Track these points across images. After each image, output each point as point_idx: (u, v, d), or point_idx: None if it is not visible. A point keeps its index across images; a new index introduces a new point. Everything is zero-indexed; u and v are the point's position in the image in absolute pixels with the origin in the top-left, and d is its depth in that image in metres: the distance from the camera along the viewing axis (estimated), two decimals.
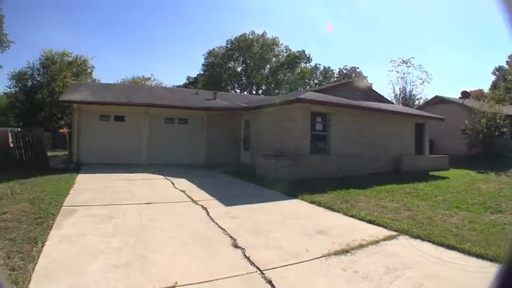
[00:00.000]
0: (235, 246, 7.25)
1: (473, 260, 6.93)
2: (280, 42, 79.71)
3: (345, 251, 7.12)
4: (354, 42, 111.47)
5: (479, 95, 63.83)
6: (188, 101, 27.92)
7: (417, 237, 8.32)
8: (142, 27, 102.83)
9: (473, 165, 27.34)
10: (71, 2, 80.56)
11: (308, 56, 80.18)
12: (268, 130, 22.42)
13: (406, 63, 57.97)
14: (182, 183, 15.85)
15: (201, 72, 79.59)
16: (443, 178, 20.89)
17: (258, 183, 16.41)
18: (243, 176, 18.65)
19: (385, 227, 9.17)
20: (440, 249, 7.60)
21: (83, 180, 15.92)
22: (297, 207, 11.79)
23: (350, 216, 10.43)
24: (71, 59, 58.56)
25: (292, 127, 19.78)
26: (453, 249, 7.50)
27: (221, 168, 21.89)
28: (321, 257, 6.79)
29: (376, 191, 14.88)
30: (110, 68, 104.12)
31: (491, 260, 6.87)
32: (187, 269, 5.99)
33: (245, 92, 72.22)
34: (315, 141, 20.41)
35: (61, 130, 46.91)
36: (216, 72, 75.81)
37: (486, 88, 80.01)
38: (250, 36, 77.59)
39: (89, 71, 62.69)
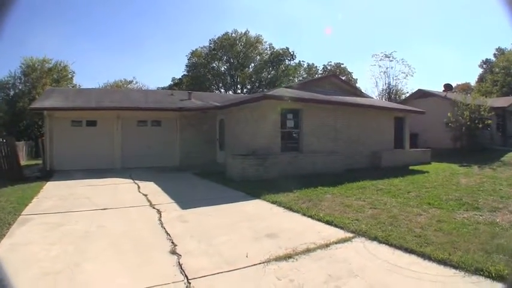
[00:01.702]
0: (173, 252, 6.84)
1: (433, 267, 6.17)
2: (264, 40, 79.19)
3: (287, 257, 6.59)
4: (339, 38, 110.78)
5: (466, 88, 63.57)
6: (162, 102, 27.21)
7: (374, 239, 7.68)
8: (125, 29, 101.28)
9: (457, 159, 26.69)
10: (51, 6, 78.67)
11: (292, 53, 78.80)
12: (240, 129, 21.86)
13: (389, 57, 57.71)
14: (148, 186, 15.52)
15: (185, 73, 78.62)
16: (423, 172, 20.28)
17: (226, 184, 15.94)
18: (213, 177, 18.11)
19: (342, 228, 8.59)
20: (398, 253, 6.91)
21: (49, 188, 15.56)
22: (256, 208, 11.32)
23: (308, 216, 9.90)
24: (51, 65, 57.66)
25: (262, 125, 19.29)
26: (412, 253, 6.80)
27: (194, 170, 21.38)
28: (260, 263, 6.29)
29: (346, 189, 14.32)
30: (94, 73, 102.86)
31: (455, 267, 6.06)
32: (114, 277, 5.78)
33: (230, 92, 71.29)
34: (287, 138, 19.90)
35: (42, 138, 46.11)
36: (200, 72, 75.73)
37: (473, 81, 79.69)
38: (233, 35, 76.78)
39: (70, 76, 61.80)
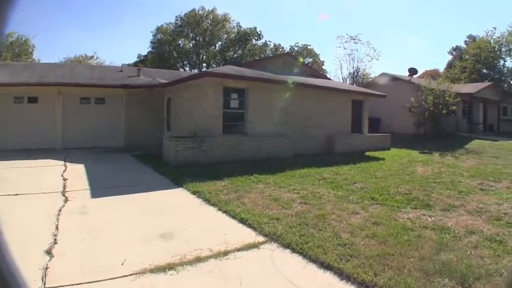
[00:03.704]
0: (48, 252, 5.79)
1: None
2: (232, 19, 77.04)
3: (169, 267, 5.35)
4: (309, 20, 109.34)
5: (434, 74, 62.94)
6: (106, 79, 25.09)
7: (288, 246, 6.28)
8: (91, 3, 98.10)
9: (418, 145, 25.45)
10: None
11: (259, 33, 77.62)
12: (184, 108, 20.58)
13: (354, 39, 55.70)
14: (75, 170, 14.42)
15: (151, 50, 76.22)
16: (378, 159, 18.92)
17: (158, 169, 14.54)
18: (150, 160, 16.75)
19: (255, 229, 7.20)
20: (310, 268, 5.55)
21: None
22: (171, 199, 10.23)
23: (224, 212, 8.55)
24: (13, 39, 55.27)
25: (204, 105, 17.81)
26: (328, 270, 5.41)
27: (136, 152, 20.07)
28: (132, 274, 5.14)
29: (285, 177, 12.95)
30: (58, 48, 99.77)
31: None
32: None
33: (195, 70, 69.09)
34: (230, 120, 18.22)
35: None
36: (165, 49, 73.94)
37: (442, 68, 79.20)
38: (200, 12, 73.69)
39: (30, 50, 59.58)
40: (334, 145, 21.71)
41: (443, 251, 6.05)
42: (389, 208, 8.87)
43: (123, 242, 6.51)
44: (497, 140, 28.69)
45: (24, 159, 16.80)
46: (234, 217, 8.01)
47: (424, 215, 8.31)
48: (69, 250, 5.97)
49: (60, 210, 8.34)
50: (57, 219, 7.61)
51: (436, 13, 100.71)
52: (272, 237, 6.67)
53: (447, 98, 29.67)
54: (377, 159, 19.17)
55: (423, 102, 29.41)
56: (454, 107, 30.12)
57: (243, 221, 7.67)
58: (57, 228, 7.02)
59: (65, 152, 19.60)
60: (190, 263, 5.50)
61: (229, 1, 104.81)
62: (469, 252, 6.01)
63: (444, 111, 29.36)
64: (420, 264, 5.41)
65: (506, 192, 10.94)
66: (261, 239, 6.68)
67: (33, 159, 17.03)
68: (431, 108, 28.99)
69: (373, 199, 9.81)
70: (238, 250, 6.08)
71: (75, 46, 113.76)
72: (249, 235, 6.88)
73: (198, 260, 5.62)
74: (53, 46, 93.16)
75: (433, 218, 8.03)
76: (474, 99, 37.02)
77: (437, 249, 6.09)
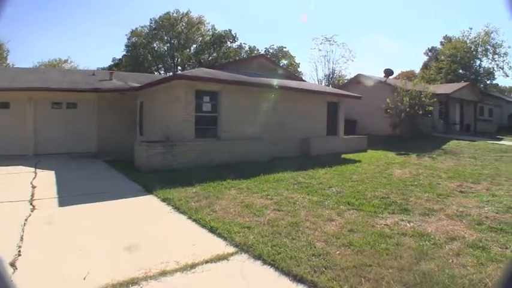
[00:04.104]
0: (12, 264, 5.52)
1: None
2: (207, 22, 77.56)
3: (132, 282, 5.02)
4: (284, 22, 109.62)
5: (410, 75, 63.26)
6: (78, 83, 24.62)
7: (259, 257, 5.91)
8: (66, 7, 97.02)
9: (395, 146, 25.37)
10: None
11: (234, 35, 77.63)
12: (156, 112, 20.11)
13: (329, 40, 56.05)
14: (45, 177, 13.90)
15: (125, 54, 75.68)
16: (355, 162, 18.59)
17: (129, 175, 14.11)
18: (121, 166, 16.35)
19: (225, 239, 6.81)
20: (283, 281, 5.21)
21: None
22: (141, 206, 9.87)
23: (194, 220, 8.12)
24: None
25: (176, 108, 17.33)
26: (301, 283, 5.07)
27: (109, 157, 19.64)
28: None
29: (259, 182, 12.60)
30: (33, 52, 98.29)
31: None
32: None
33: (170, 73, 68.51)
34: (202, 123, 17.76)
35: None
36: (140, 53, 73.41)
37: (418, 69, 79.71)
38: (175, 14, 74.14)
39: (4, 55, 59.04)
40: (310, 148, 21.43)
41: (424, 260, 5.68)
42: (366, 214, 8.50)
43: (88, 253, 6.15)
44: (474, 140, 28.71)
45: None
46: (203, 226, 7.61)
47: (403, 220, 7.95)
48: (33, 262, 5.67)
49: (26, 219, 8.03)
50: (23, 230, 7.30)
51: (412, 14, 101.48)
52: (243, 247, 6.30)
53: (423, 99, 29.63)
54: (353, 161, 18.88)
55: (399, 103, 29.35)
56: (431, 108, 30.11)
57: (213, 230, 7.29)
58: (22, 239, 6.74)
59: (37, 159, 19.23)
60: (155, 277, 5.17)
61: (204, 4, 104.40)
62: (450, 261, 5.65)
63: (420, 112, 29.37)
64: (399, 276, 5.04)
65: (486, 195, 10.66)
66: (231, 249, 6.32)
67: (3, 165, 16.57)
68: (408, 109, 28.92)
69: (349, 204, 9.44)
70: (207, 262, 5.72)
71: (50, 51, 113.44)
72: (219, 245, 6.52)
73: (164, 273, 5.28)
74: (27, 51, 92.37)
75: (412, 224, 7.67)
76: (451, 99, 37.11)
77: (417, 258, 5.72)
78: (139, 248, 6.40)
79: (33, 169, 15.76)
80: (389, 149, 24.58)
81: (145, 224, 8.08)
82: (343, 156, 21.17)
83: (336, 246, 6.28)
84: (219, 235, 6.99)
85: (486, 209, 8.98)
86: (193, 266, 5.55)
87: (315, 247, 6.21)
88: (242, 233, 6.99)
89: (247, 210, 8.80)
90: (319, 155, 20.55)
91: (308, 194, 10.68)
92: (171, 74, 65.08)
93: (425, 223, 7.74)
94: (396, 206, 9.27)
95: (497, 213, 8.56)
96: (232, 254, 6.08)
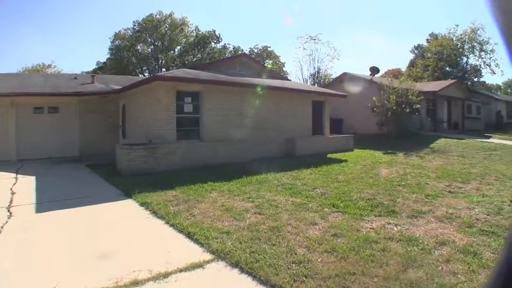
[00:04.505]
0: None
1: None
2: (190, 23, 76.91)
3: None
4: (267, 21, 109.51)
5: (396, 73, 63.07)
6: (59, 87, 24.47)
7: (236, 265, 5.58)
8: (47, 11, 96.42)
9: (382, 145, 25.02)
10: None
11: (218, 36, 77.68)
12: (138, 115, 19.87)
13: (314, 39, 55.24)
14: (25, 182, 13.76)
15: (110, 57, 75.52)
16: (341, 161, 18.20)
17: (110, 179, 13.83)
18: (103, 170, 15.97)
19: (202, 246, 6.48)
20: None
21: None
22: (118, 211, 9.60)
23: (171, 225, 7.81)
24: None
25: (157, 110, 17.02)
26: None
27: (92, 161, 19.40)
28: None
29: (241, 184, 12.31)
30: (17, 57, 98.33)
31: None
32: None
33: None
34: (184, 125, 17.50)
35: None
36: (124, 55, 73.08)
37: (404, 67, 79.68)
38: (158, 16, 75.16)
39: None
40: (295, 148, 21.08)
41: (412, 267, 5.30)
42: (351, 216, 8.10)
43: (60, 262, 5.91)
44: (463, 139, 28.42)
45: None
46: (181, 231, 7.30)
47: (389, 223, 7.56)
48: (4, 272, 5.52)
49: (2, 227, 7.87)
50: None
51: (398, 11, 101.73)
52: (220, 254, 5.96)
53: (410, 97, 29.27)
54: (339, 161, 18.53)
55: (386, 102, 28.98)
56: (418, 106, 29.79)
57: (190, 235, 6.97)
58: None
59: (20, 164, 19.06)
60: (126, 286, 4.96)
61: (187, 4, 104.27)
62: (440, 268, 5.27)
63: (408, 110, 28.97)
64: (385, 286, 4.69)
65: (476, 195, 10.28)
66: (207, 256, 5.98)
67: None
68: (394, 108, 28.53)
69: (334, 206, 9.04)
70: (181, 271, 5.41)
71: (33, 56, 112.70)
72: (195, 252, 6.19)
73: (135, 283, 5.04)
74: (10, 56, 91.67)
75: (399, 228, 7.27)
76: (438, 97, 36.90)
77: (405, 266, 5.34)
78: (112, 256, 6.14)
79: (14, 175, 15.57)
80: (376, 148, 24.27)
81: (121, 231, 7.80)
82: (329, 156, 20.85)
83: (318, 253, 5.90)
84: (196, 241, 6.69)
85: (476, 210, 8.61)
86: (166, 275, 5.27)
87: (295, 254, 5.86)
88: (220, 238, 6.69)
89: (227, 214, 8.51)
90: (304, 155, 20.28)
91: (291, 196, 10.34)
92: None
93: (414, 226, 7.36)
94: (383, 207, 8.88)
95: (488, 214, 8.18)
96: (208, 262, 5.76)
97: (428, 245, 6.21)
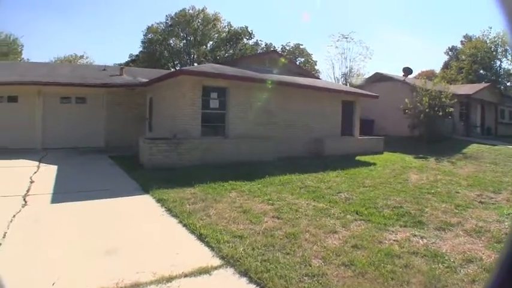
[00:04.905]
0: None
1: None
2: (223, 18, 77.48)
3: None
4: (300, 18, 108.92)
5: (430, 75, 62.16)
6: (88, 78, 24.29)
7: (245, 274, 5.22)
8: (83, 2, 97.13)
9: (413, 149, 24.29)
10: None
11: (250, 32, 77.25)
12: (163, 109, 19.80)
13: (346, 38, 55.13)
14: (46, 172, 13.66)
15: (142, 50, 75.86)
16: (369, 164, 17.76)
17: (131, 172, 13.60)
18: (125, 163, 15.81)
19: (212, 249, 6.16)
20: None
21: None
22: (133, 207, 9.44)
23: (184, 225, 7.52)
24: (0, 38, 55.63)
25: (182, 105, 16.84)
26: None
27: (116, 153, 19.21)
28: None
29: (263, 184, 11.93)
30: (49, 47, 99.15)
31: None
32: None
33: None
34: (209, 121, 17.29)
35: None
36: (156, 49, 73.17)
37: (438, 69, 78.54)
38: (190, 11, 75.25)
39: (19, 50, 59.71)
40: (323, 148, 20.69)
41: None
42: (375, 226, 7.63)
43: (65, 256, 5.79)
44: (495, 145, 27.56)
45: None
46: (193, 232, 7.00)
47: (415, 235, 7.07)
48: (8, 262, 5.30)
49: (14, 216, 7.76)
50: (8, 227, 7.05)
51: (432, 12, 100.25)
52: (230, 260, 5.60)
53: (443, 99, 28.42)
54: (368, 164, 18.07)
55: (418, 104, 28.17)
56: (451, 109, 28.98)
57: (201, 237, 6.66)
58: (4, 236, 6.53)
59: (44, 153, 19.04)
60: None
61: (220, 1, 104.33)
62: None
63: (440, 113, 28.12)
64: None
65: (507, 207, 9.74)
66: (216, 262, 5.64)
67: (10, 159, 16.52)
68: (427, 110, 27.69)
69: (357, 213, 8.58)
70: (186, 276, 5.11)
71: (68, 46, 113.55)
72: (204, 256, 5.87)
73: (136, 285, 4.81)
74: (45, 46, 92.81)
75: (425, 241, 6.78)
76: (471, 100, 35.89)
77: (427, 286, 4.91)
78: (118, 254, 5.98)
79: (37, 163, 15.55)
80: (407, 151, 23.60)
81: (132, 227, 7.60)
82: (357, 158, 20.37)
83: (335, 266, 5.47)
84: (207, 244, 6.37)
85: (506, 223, 8.11)
86: (170, 279, 4.98)
87: (310, 265, 5.45)
88: (232, 243, 6.34)
89: (243, 216, 8.15)
90: (332, 156, 19.80)
91: (314, 200, 9.94)
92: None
93: (441, 240, 6.87)
94: (409, 217, 8.39)
95: None
96: (216, 268, 5.41)
97: (454, 262, 5.73)
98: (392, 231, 7.29)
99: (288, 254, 5.87)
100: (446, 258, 5.90)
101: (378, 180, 13.40)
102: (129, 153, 18.42)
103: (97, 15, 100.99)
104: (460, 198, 10.76)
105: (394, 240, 6.72)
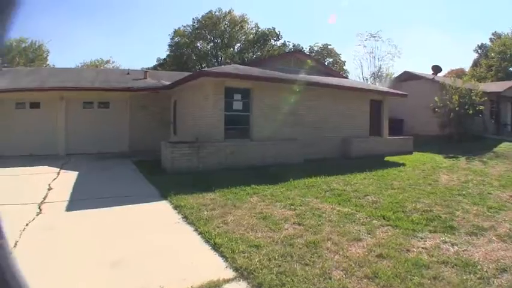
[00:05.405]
0: None
1: None
2: (250, 20, 77.12)
3: None
4: (327, 19, 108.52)
5: (459, 73, 61.14)
6: (111, 82, 24.32)
7: None
8: (109, 7, 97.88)
9: (443, 148, 23.87)
10: None
11: (278, 33, 76.40)
12: (186, 111, 19.64)
13: (375, 37, 54.30)
14: (66, 178, 13.50)
15: (169, 53, 75.72)
16: (398, 165, 17.32)
17: (152, 178, 13.30)
18: (148, 168, 15.58)
19: (226, 260, 5.72)
20: None
21: None
22: (149, 214, 9.09)
23: (199, 233, 7.14)
24: (27, 44, 56.48)
25: (205, 107, 16.75)
26: None
27: (140, 157, 19.17)
28: None
29: (286, 187, 11.56)
30: (75, 52, 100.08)
31: None
32: None
33: None
34: (233, 123, 16.88)
35: None
36: (183, 52, 73.14)
37: (468, 67, 77.26)
38: (217, 13, 74.99)
39: (45, 56, 60.41)
40: (350, 149, 20.32)
41: None
42: (402, 232, 7.18)
43: (69, 268, 5.51)
44: None
45: (21, 166, 16.27)
46: (208, 241, 6.61)
47: (445, 242, 6.61)
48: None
49: (27, 224, 7.57)
50: (20, 236, 6.82)
51: (461, 8, 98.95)
52: (243, 272, 5.18)
53: (474, 97, 27.80)
54: (397, 165, 17.60)
55: (448, 102, 27.55)
56: (482, 107, 28.22)
57: (216, 247, 6.25)
58: (15, 245, 6.24)
59: (67, 158, 19.12)
60: None
61: (247, 2, 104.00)
62: None
63: (470, 112, 27.43)
64: None
65: None
66: (229, 274, 5.21)
67: (31, 165, 16.51)
68: (457, 108, 27.10)
69: (384, 218, 8.14)
70: None
71: (95, 52, 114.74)
72: (217, 268, 5.46)
73: None
74: (71, 52, 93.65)
75: (456, 248, 6.30)
76: (502, 98, 34.78)
77: None
78: (126, 265, 5.64)
79: (57, 169, 15.41)
80: (437, 151, 23.15)
81: (145, 236, 7.25)
82: (386, 158, 19.94)
83: (357, 278, 5.03)
84: (221, 254, 5.97)
85: None
86: None
87: (330, 278, 5.00)
88: (247, 253, 5.93)
89: (263, 222, 7.75)
90: (360, 157, 19.48)
91: (339, 204, 9.53)
92: None
93: (473, 246, 6.39)
94: (439, 221, 7.91)
95: None
96: (228, 281, 4.99)
97: (487, 272, 5.26)
98: (421, 238, 6.84)
99: (306, 265, 5.47)
100: (479, 267, 5.43)
101: (407, 182, 12.95)
102: (153, 158, 18.19)
103: (124, 20, 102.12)
104: (492, 199, 10.27)
105: (422, 248, 6.27)
